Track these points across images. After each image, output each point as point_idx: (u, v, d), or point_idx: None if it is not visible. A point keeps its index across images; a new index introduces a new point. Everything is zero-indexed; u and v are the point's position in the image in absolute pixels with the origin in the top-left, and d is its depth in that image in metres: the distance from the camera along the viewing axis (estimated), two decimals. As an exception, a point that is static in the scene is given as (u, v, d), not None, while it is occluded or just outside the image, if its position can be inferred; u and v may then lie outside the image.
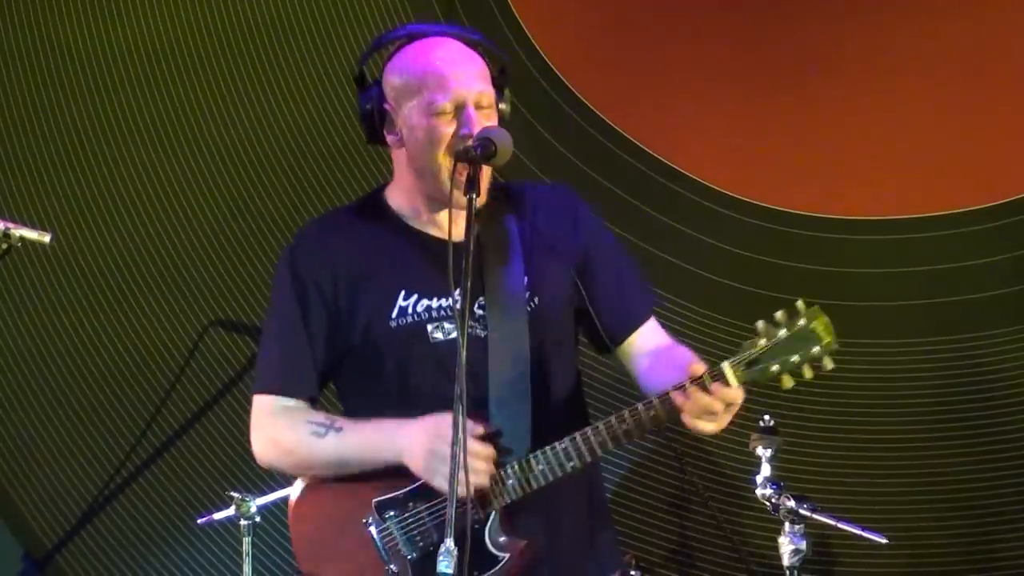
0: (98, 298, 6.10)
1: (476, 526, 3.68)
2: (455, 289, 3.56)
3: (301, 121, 6.04)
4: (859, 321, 5.57)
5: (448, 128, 3.73)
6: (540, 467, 3.68)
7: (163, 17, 6.08)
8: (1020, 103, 5.54)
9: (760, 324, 3.50)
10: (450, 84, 3.73)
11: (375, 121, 3.81)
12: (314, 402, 3.92)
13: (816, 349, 3.45)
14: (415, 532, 3.75)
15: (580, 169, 5.77)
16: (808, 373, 3.49)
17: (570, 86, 5.82)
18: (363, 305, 3.82)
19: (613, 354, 3.90)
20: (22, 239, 4.48)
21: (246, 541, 5.23)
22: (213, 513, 5.38)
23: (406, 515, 3.75)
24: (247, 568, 5.23)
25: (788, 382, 3.50)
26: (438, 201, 3.79)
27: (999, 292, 5.50)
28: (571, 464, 3.67)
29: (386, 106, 3.80)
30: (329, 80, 6.02)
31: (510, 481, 3.68)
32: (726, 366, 3.52)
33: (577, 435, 3.66)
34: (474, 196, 3.59)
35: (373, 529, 3.75)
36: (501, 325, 3.75)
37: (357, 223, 3.88)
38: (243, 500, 5.22)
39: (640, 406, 3.63)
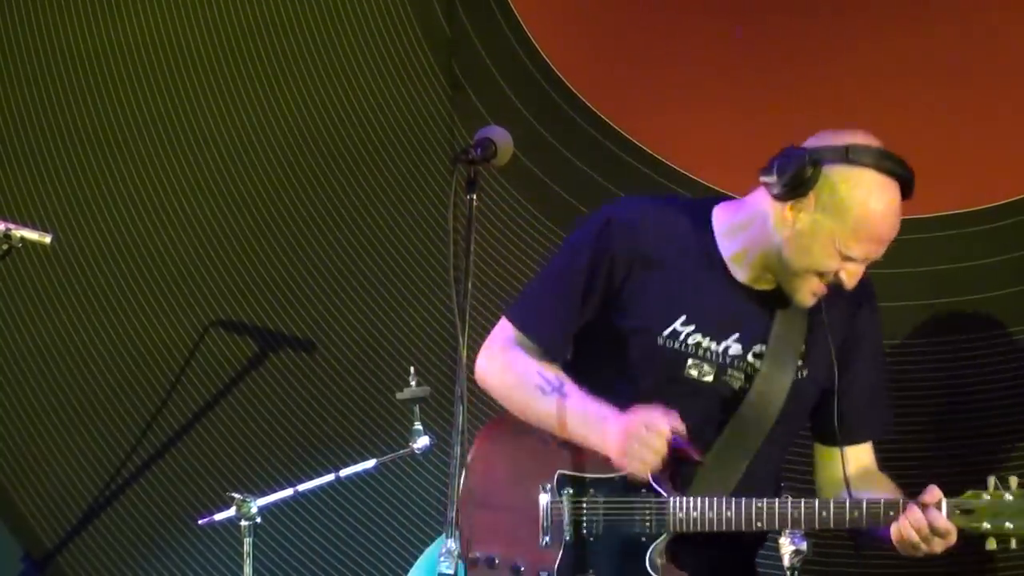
0: (99, 298, 6.10)
1: (643, 539, 3.69)
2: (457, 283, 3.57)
3: (302, 121, 6.03)
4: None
5: (836, 267, 3.78)
6: (729, 513, 3.68)
7: (163, 17, 6.07)
8: (1020, 104, 5.53)
9: (991, 480, 3.54)
10: (872, 249, 3.80)
11: (795, 184, 3.80)
12: (552, 356, 3.95)
13: None
14: (583, 518, 3.76)
15: (581, 170, 5.77)
16: (1014, 543, 3.52)
17: (571, 87, 5.82)
18: (643, 308, 3.87)
19: (825, 449, 3.93)
20: (23, 240, 4.49)
21: (247, 542, 5.23)
22: (214, 514, 5.37)
23: (582, 499, 3.77)
24: (248, 569, 5.23)
25: (992, 544, 3.55)
26: (770, 276, 3.81)
27: (999, 293, 5.50)
28: (758, 524, 3.67)
29: (811, 192, 3.78)
30: (330, 79, 6.02)
31: (695, 512, 3.69)
32: (944, 501, 3.56)
33: (777, 501, 3.67)
34: (473, 197, 3.59)
35: (546, 497, 3.76)
36: (763, 383, 3.79)
37: (679, 228, 3.89)
38: (244, 501, 5.22)
39: (849, 502, 3.65)
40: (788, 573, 4.86)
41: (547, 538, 3.74)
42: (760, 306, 3.80)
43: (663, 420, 3.70)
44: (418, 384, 5.35)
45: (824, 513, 3.67)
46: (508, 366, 3.95)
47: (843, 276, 3.77)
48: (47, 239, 4.53)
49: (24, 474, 6.11)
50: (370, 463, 5.39)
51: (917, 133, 5.59)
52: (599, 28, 5.87)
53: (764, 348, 3.77)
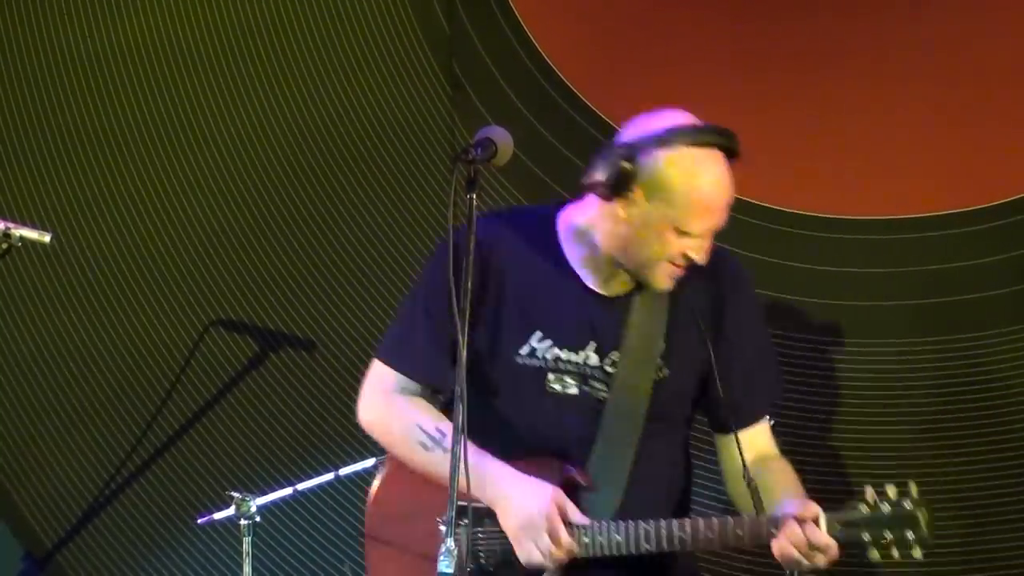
0: (99, 298, 6.10)
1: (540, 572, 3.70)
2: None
3: (302, 121, 6.03)
4: (859, 321, 5.57)
5: (681, 245, 3.76)
6: (618, 538, 3.67)
7: (163, 17, 6.08)
8: (1020, 104, 5.54)
9: (868, 491, 3.53)
10: (710, 221, 3.77)
11: (617, 183, 3.77)
12: (436, 390, 3.95)
13: (910, 535, 3.46)
14: (481, 548, 3.77)
15: (581, 169, 5.76)
16: (896, 554, 3.49)
17: (571, 86, 5.82)
18: (498, 327, 3.86)
19: (723, 438, 3.87)
20: (22, 239, 4.49)
21: (246, 541, 5.23)
22: (213, 513, 5.38)
23: (479, 529, 3.77)
24: (247, 568, 5.23)
25: (874, 555, 3.53)
26: (624, 273, 3.80)
27: (998, 292, 5.50)
28: (646, 547, 3.66)
29: (636, 186, 3.76)
30: (329, 79, 6.02)
31: (586, 538, 3.68)
32: (822, 516, 3.56)
33: (663, 522, 3.66)
34: (473, 197, 3.59)
35: (445, 529, 3.75)
36: (623, 390, 3.76)
37: (527, 239, 3.88)
38: (243, 500, 5.22)
39: (730, 522, 3.64)
40: (788, 573, 4.87)
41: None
42: (613, 313, 3.77)
43: (559, 523, 3.70)
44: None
45: (710, 534, 3.64)
46: (390, 420, 3.94)
47: (692, 254, 3.74)
48: (47, 238, 4.53)
49: (24, 474, 6.11)
50: (370, 462, 5.38)
51: (917, 133, 5.60)
52: (599, 28, 5.87)
53: (618, 356, 3.76)
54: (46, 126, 6.12)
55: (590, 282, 3.82)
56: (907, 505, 3.49)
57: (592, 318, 3.77)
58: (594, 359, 3.77)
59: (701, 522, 3.66)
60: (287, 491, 5.39)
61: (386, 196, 5.97)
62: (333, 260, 6.00)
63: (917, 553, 3.54)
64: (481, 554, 3.76)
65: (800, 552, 3.60)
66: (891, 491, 3.55)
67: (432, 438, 3.89)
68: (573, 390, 3.76)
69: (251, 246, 6.06)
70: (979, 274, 5.51)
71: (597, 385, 3.77)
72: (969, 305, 5.51)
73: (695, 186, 3.75)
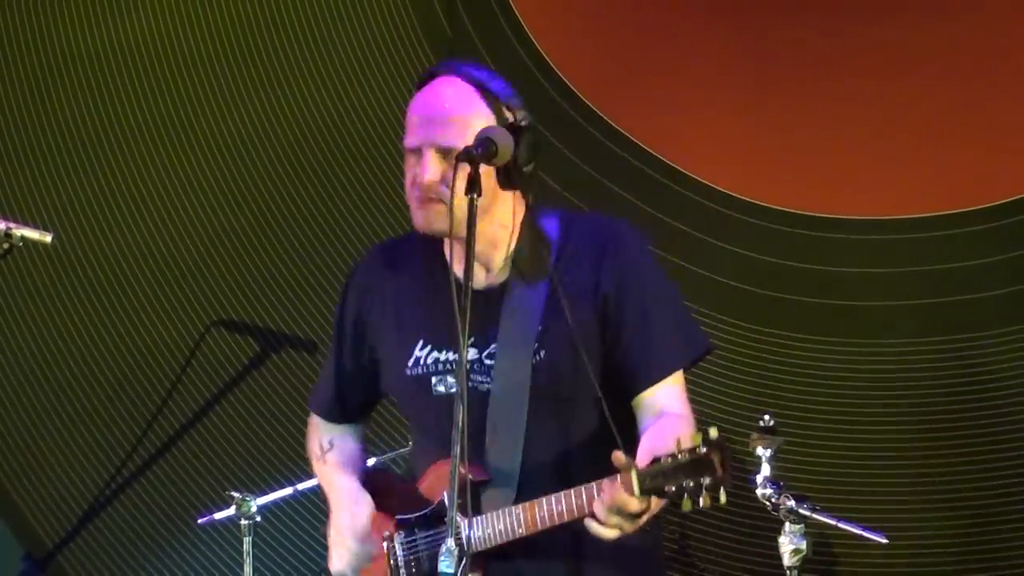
0: (100, 298, 6.10)
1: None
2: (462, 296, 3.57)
3: (303, 121, 6.04)
4: (859, 321, 5.58)
5: (414, 169, 3.77)
6: (510, 520, 3.67)
7: (163, 17, 6.08)
8: (1021, 104, 5.54)
9: (676, 443, 3.44)
10: (423, 132, 3.75)
11: None
12: (343, 420, 4.07)
13: (707, 480, 3.40)
14: (411, 557, 3.79)
15: (582, 170, 5.77)
16: (704, 502, 3.41)
17: (571, 86, 5.82)
18: (386, 349, 3.89)
19: (634, 405, 3.79)
20: (23, 239, 4.49)
21: (246, 541, 5.24)
22: (214, 513, 5.38)
23: (410, 538, 3.80)
24: (247, 568, 5.23)
25: (686, 505, 3.44)
26: (493, 262, 3.80)
27: (998, 292, 5.50)
28: (520, 531, 3.64)
29: None
30: (330, 79, 6.02)
31: (488, 529, 3.68)
32: (634, 474, 3.45)
33: (524, 504, 3.63)
34: (475, 196, 3.59)
35: (385, 545, 3.85)
36: (503, 378, 3.74)
37: (412, 255, 3.89)
38: (243, 500, 5.23)
39: (553, 497, 3.60)
40: (788, 573, 4.88)
41: None
42: (488, 305, 3.74)
43: (347, 530, 3.85)
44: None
45: (544, 510, 3.60)
46: (308, 444, 4.12)
47: (417, 172, 3.73)
48: (48, 238, 4.53)
49: (25, 474, 6.11)
50: (370, 462, 5.38)
51: (917, 132, 5.60)
52: (599, 27, 5.87)
53: (496, 347, 3.76)
54: (47, 126, 6.13)
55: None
56: (702, 450, 3.40)
57: (470, 315, 3.75)
58: (472, 353, 3.75)
59: (551, 498, 3.62)
60: (287, 491, 5.39)
61: (387, 196, 5.97)
62: (333, 260, 6.00)
63: (722, 498, 3.42)
64: (412, 564, 3.79)
65: (614, 514, 3.50)
66: (694, 439, 3.44)
67: (321, 448, 4.06)
68: (455, 388, 3.76)
69: (251, 246, 6.06)
70: (979, 274, 5.51)
71: (479, 379, 3.75)
72: (969, 305, 5.52)
73: (411, 106, 3.79)
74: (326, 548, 5.91)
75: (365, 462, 4.11)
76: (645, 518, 3.52)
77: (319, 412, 4.10)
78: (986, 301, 5.51)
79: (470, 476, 3.67)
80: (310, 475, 5.45)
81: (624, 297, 3.74)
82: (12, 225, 4.49)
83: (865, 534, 4.92)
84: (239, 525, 5.25)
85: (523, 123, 3.79)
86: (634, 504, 3.48)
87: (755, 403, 5.48)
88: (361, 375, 3.98)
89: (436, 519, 3.78)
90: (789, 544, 4.88)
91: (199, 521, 5.46)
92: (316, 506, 5.89)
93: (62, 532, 6.07)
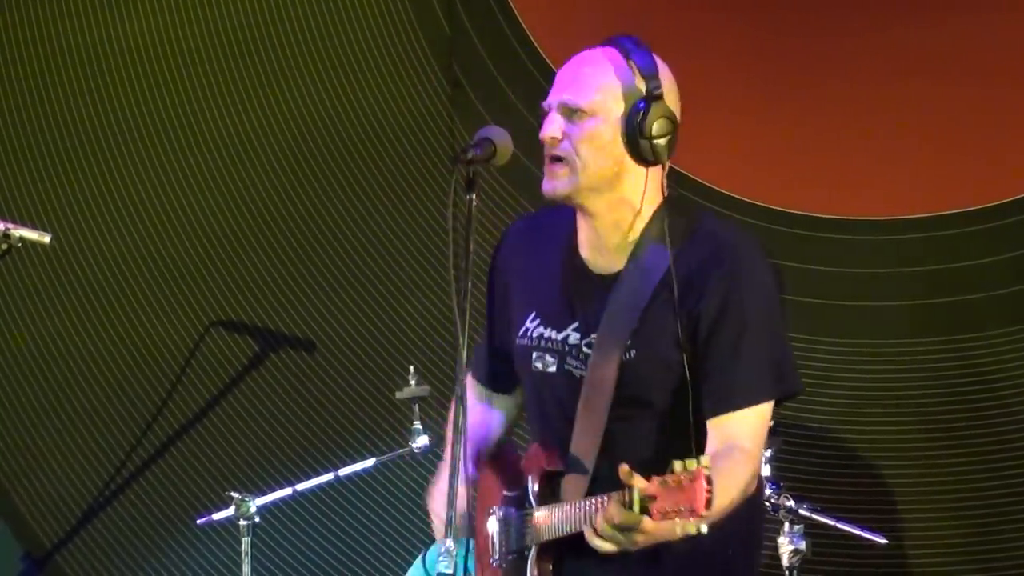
0: (99, 298, 6.10)
1: (526, 553, 3.68)
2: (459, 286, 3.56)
3: (302, 120, 6.03)
4: (859, 321, 5.57)
5: (543, 129, 3.75)
6: (559, 517, 3.65)
7: (163, 17, 6.07)
8: (1021, 104, 5.54)
9: (675, 464, 3.39)
10: (555, 94, 3.74)
11: None
12: (496, 386, 3.96)
13: (685, 508, 3.32)
14: (504, 538, 3.77)
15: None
16: (686, 528, 3.36)
17: (570, 86, 5.82)
18: (513, 315, 3.84)
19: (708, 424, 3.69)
20: (22, 239, 4.48)
21: (245, 541, 5.23)
22: (213, 513, 5.37)
23: (507, 514, 3.77)
24: (246, 569, 5.23)
25: (683, 529, 3.40)
26: (617, 247, 3.74)
27: (999, 292, 5.50)
28: (567, 528, 3.59)
29: None
30: (329, 79, 6.02)
31: (553, 519, 3.66)
32: (636, 491, 3.38)
33: (581, 501, 3.58)
34: (473, 197, 3.59)
35: (489, 519, 3.82)
36: (595, 369, 3.69)
37: (549, 231, 3.85)
38: (243, 500, 5.22)
39: (578, 502, 3.57)
40: (787, 573, 4.88)
41: (495, 556, 3.78)
42: (597, 291, 3.70)
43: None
44: (418, 383, 5.35)
45: (553, 519, 3.61)
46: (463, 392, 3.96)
47: (545, 129, 3.72)
48: (46, 239, 4.52)
49: (24, 474, 6.11)
50: (370, 462, 5.39)
51: (919, 133, 5.60)
52: (599, 27, 5.85)
53: (595, 337, 3.73)
54: (45, 126, 6.12)
55: (589, 261, 3.79)
56: (685, 480, 3.34)
57: (577, 296, 3.72)
58: (574, 337, 3.73)
59: (573, 502, 3.60)
60: (286, 492, 5.39)
61: (385, 196, 5.97)
62: (333, 260, 6.00)
63: (703, 529, 3.37)
64: (504, 543, 3.76)
65: (609, 527, 3.46)
66: (689, 464, 3.37)
67: (452, 421, 3.90)
68: (552, 368, 3.73)
69: (251, 246, 6.06)
70: (979, 274, 5.51)
71: (574, 364, 3.73)
72: (970, 305, 5.51)
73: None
74: (329, 546, 5.95)
75: (494, 433, 3.95)
76: (641, 539, 3.42)
77: (474, 373, 3.96)
78: (987, 301, 5.51)
79: (544, 465, 3.67)
80: (310, 476, 5.46)
81: (724, 317, 3.63)
82: (11, 225, 4.48)
83: (864, 534, 4.92)
84: (238, 526, 5.24)
85: (656, 92, 3.74)
86: (632, 519, 3.40)
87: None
88: (505, 343, 3.88)
89: (521, 501, 3.75)
90: (788, 544, 4.88)
91: (198, 521, 5.46)
92: (316, 507, 5.89)
93: (61, 532, 6.07)
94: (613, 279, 3.73)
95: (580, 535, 3.55)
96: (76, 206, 6.11)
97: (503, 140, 3.68)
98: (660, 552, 3.56)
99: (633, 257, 3.72)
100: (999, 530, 5.47)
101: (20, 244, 4.50)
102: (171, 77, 6.08)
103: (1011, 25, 5.55)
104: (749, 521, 3.73)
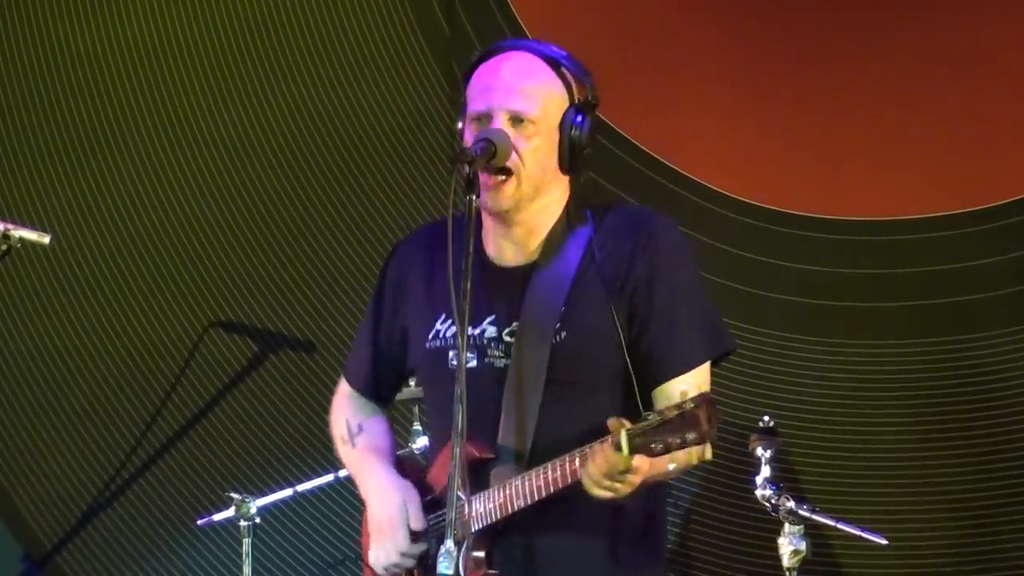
0: (98, 299, 6.10)
1: (456, 548, 3.67)
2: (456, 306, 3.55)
3: (301, 121, 6.03)
4: (859, 322, 5.58)
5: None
6: (499, 499, 3.65)
7: (163, 17, 6.08)
8: (1020, 104, 5.54)
9: (670, 398, 3.43)
10: (488, 98, 3.72)
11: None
12: (377, 396, 3.99)
13: (692, 435, 3.39)
14: (431, 539, 3.78)
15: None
16: (691, 458, 3.41)
17: (570, 87, 5.82)
18: (416, 320, 3.85)
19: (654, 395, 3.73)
20: (22, 240, 4.47)
21: (246, 542, 5.23)
22: (213, 514, 5.38)
23: (433, 520, 3.77)
24: (247, 569, 5.23)
25: (674, 461, 3.43)
26: (525, 241, 3.76)
27: (998, 293, 5.50)
28: (518, 502, 3.61)
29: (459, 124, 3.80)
30: (328, 79, 6.02)
31: (490, 504, 3.66)
32: (623, 433, 3.41)
33: (522, 475, 3.59)
34: (473, 198, 3.59)
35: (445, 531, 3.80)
36: (521, 356, 3.70)
37: (441, 240, 3.77)
38: (243, 501, 5.22)
39: (548, 465, 3.56)
40: (788, 574, 4.88)
41: (413, 571, 3.80)
42: (511, 283, 3.73)
43: (397, 531, 3.77)
44: (417, 384, 5.35)
45: (538, 481, 3.58)
46: (334, 419, 4.02)
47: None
48: (46, 239, 4.51)
49: (24, 474, 6.11)
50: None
51: (918, 133, 5.60)
52: (598, 28, 5.87)
53: (517, 325, 3.73)
54: (45, 126, 6.12)
55: (496, 258, 3.80)
56: (688, 407, 3.38)
57: (491, 291, 3.73)
58: (491, 331, 3.74)
59: (542, 469, 3.60)
60: (287, 492, 5.39)
61: (385, 196, 5.97)
62: (332, 260, 6.00)
63: (707, 454, 3.42)
64: (430, 544, 3.77)
65: (603, 475, 3.48)
66: (683, 396, 3.41)
67: (349, 431, 3.96)
68: (472, 363, 3.74)
69: (250, 246, 6.06)
70: (980, 275, 5.51)
71: (496, 355, 3.73)
72: (970, 306, 5.52)
73: (474, 74, 3.79)
74: (329, 547, 5.95)
75: (394, 450, 4.00)
76: (637, 480, 3.48)
77: (353, 381, 3.99)
78: (988, 302, 5.51)
79: (475, 453, 3.66)
80: (310, 476, 5.46)
81: (656, 288, 3.69)
82: (10, 226, 4.47)
83: (864, 535, 4.92)
84: (238, 526, 5.25)
85: (595, 102, 3.77)
86: (623, 463, 3.43)
87: (754, 404, 5.47)
88: (393, 347, 3.91)
89: (439, 504, 3.74)
90: (789, 545, 4.88)
91: (198, 522, 5.46)
92: (316, 507, 5.89)
93: (61, 533, 6.07)
94: (528, 270, 3.75)
95: (522, 512, 3.59)
96: (76, 206, 6.11)
97: (503, 141, 3.67)
98: (583, 513, 3.62)
99: (547, 247, 3.76)
100: (999, 531, 5.47)
101: (20, 245, 4.49)
102: (170, 77, 6.08)
103: (1011, 25, 5.55)
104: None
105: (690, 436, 3.36)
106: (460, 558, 3.62)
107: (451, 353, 3.77)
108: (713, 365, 3.76)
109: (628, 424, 3.42)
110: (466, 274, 3.55)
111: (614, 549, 3.71)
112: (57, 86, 6.12)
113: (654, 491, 3.71)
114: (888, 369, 5.54)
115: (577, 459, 3.52)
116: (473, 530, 3.66)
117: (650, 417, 3.40)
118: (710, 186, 5.70)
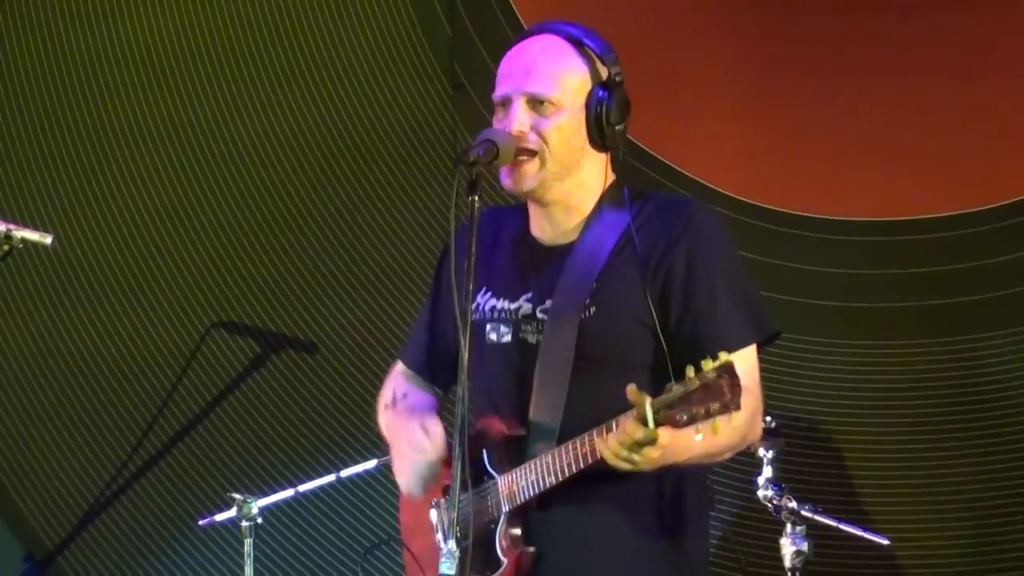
0: (100, 299, 6.10)
1: (492, 526, 3.68)
2: (463, 292, 3.55)
3: (303, 122, 6.03)
4: (859, 322, 5.57)
5: (503, 121, 3.74)
6: (531, 477, 3.65)
7: (164, 18, 6.08)
8: (1021, 104, 5.54)
9: (689, 369, 3.41)
10: (512, 84, 3.73)
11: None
12: (432, 377, 3.98)
13: (716, 405, 3.37)
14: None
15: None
16: (717, 426, 3.39)
17: (571, 87, 5.82)
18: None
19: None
20: (23, 241, 4.47)
21: (247, 542, 5.23)
22: (215, 514, 5.37)
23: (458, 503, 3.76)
24: (248, 570, 5.23)
25: (700, 431, 3.40)
26: (567, 220, 3.77)
27: (1000, 293, 5.50)
28: (550, 479, 3.61)
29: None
30: (329, 79, 6.02)
31: (522, 481, 3.66)
32: (648, 405, 3.40)
33: (552, 451, 3.59)
34: (475, 199, 3.59)
35: (432, 512, 3.82)
36: (552, 333, 3.70)
37: (501, 217, 3.88)
38: (245, 501, 5.22)
39: (577, 440, 3.55)
40: (790, 574, 4.87)
41: (449, 551, 3.75)
42: (550, 261, 3.73)
43: (418, 431, 3.74)
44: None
45: (567, 457, 3.56)
46: (382, 393, 4.03)
47: (511, 123, 3.71)
48: (48, 240, 4.51)
49: (25, 474, 6.11)
50: (371, 463, 5.39)
51: (918, 133, 5.60)
52: (599, 28, 5.86)
53: (551, 302, 3.74)
54: (47, 127, 6.12)
55: (539, 237, 3.81)
56: (710, 376, 3.36)
57: (529, 268, 3.75)
58: (527, 307, 3.75)
59: (563, 447, 3.59)
60: (288, 492, 5.38)
61: (387, 198, 5.97)
62: (334, 261, 6.00)
63: (735, 420, 3.39)
64: (459, 527, 3.75)
65: (624, 447, 3.46)
66: (706, 365, 3.40)
67: (394, 397, 3.95)
68: (507, 338, 3.75)
69: (252, 247, 6.06)
70: (984, 275, 5.51)
71: (529, 331, 3.74)
72: (970, 306, 5.52)
73: (501, 62, 3.79)
74: (330, 549, 5.95)
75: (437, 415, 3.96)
76: (656, 454, 3.45)
77: (408, 361, 4.00)
78: (988, 302, 5.51)
79: (505, 430, 3.67)
80: (311, 477, 5.46)
81: (696, 271, 3.67)
82: (12, 227, 4.47)
83: (867, 536, 4.92)
84: (240, 527, 5.24)
85: (618, 79, 3.78)
86: (649, 435, 3.41)
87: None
88: (449, 331, 3.89)
89: (475, 478, 3.71)
90: (791, 545, 4.88)
91: (200, 523, 5.46)
92: (317, 507, 5.90)
93: (63, 533, 6.07)
94: (567, 249, 3.76)
95: (557, 488, 3.57)
96: (77, 207, 6.11)
97: (505, 141, 3.67)
98: (618, 490, 3.61)
99: (587, 228, 3.76)
100: (1002, 531, 5.47)
101: (22, 245, 4.49)
102: (172, 79, 6.08)
103: (1011, 25, 5.55)
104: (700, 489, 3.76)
105: (714, 406, 3.33)
106: (499, 535, 3.63)
107: (488, 327, 3.78)
108: (759, 350, 3.72)
109: (650, 397, 3.41)
110: (469, 274, 3.56)
111: (654, 525, 3.69)
112: (59, 87, 6.12)
113: (699, 476, 3.70)
114: (891, 369, 5.54)
115: (605, 433, 3.50)
116: (506, 509, 3.66)
117: (673, 388, 3.38)
118: (711, 186, 5.70)
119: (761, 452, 4.93)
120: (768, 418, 4.95)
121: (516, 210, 3.89)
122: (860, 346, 5.56)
